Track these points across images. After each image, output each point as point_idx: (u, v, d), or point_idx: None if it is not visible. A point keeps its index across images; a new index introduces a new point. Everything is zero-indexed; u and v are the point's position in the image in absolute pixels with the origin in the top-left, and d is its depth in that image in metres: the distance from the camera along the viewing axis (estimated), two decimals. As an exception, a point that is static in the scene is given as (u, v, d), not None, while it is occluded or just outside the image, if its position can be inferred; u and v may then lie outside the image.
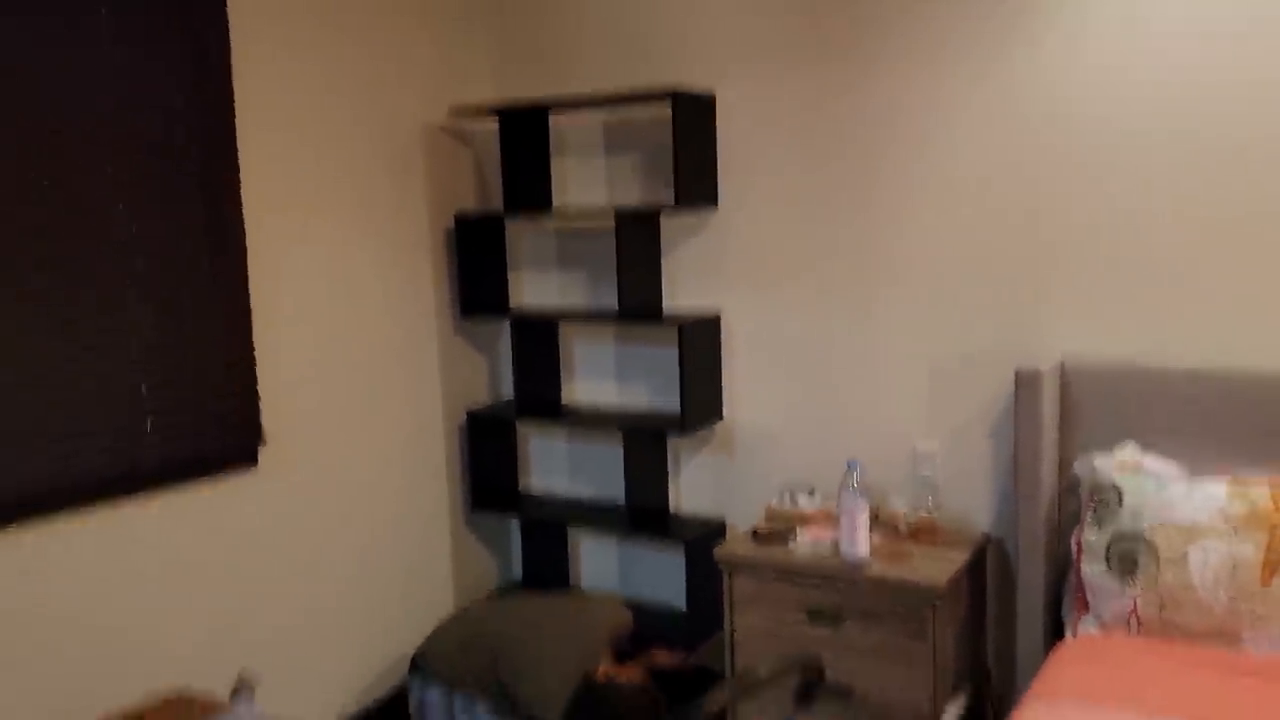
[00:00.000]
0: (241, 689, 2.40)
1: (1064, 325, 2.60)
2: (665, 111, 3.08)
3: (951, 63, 2.64)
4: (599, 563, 3.44)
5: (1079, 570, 2.29)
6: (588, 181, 3.29)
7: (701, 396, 3.00)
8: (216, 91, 2.51)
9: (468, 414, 3.36)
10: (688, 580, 3.01)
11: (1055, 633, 2.47)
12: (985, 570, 2.76)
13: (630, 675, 2.69)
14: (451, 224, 3.31)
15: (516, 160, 3.25)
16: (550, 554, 3.42)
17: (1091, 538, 2.27)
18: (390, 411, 3.11)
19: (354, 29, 2.92)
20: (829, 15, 2.80)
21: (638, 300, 3.04)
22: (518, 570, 3.61)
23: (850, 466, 2.49)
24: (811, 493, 2.93)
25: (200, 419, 2.50)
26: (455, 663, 2.72)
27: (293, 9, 2.73)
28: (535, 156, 3.25)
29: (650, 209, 2.93)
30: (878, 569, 2.47)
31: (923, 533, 2.69)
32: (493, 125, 3.40)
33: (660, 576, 3.32)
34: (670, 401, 3.22)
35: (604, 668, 2.68)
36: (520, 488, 3.54)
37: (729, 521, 3.14)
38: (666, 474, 3.18)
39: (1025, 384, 2.41)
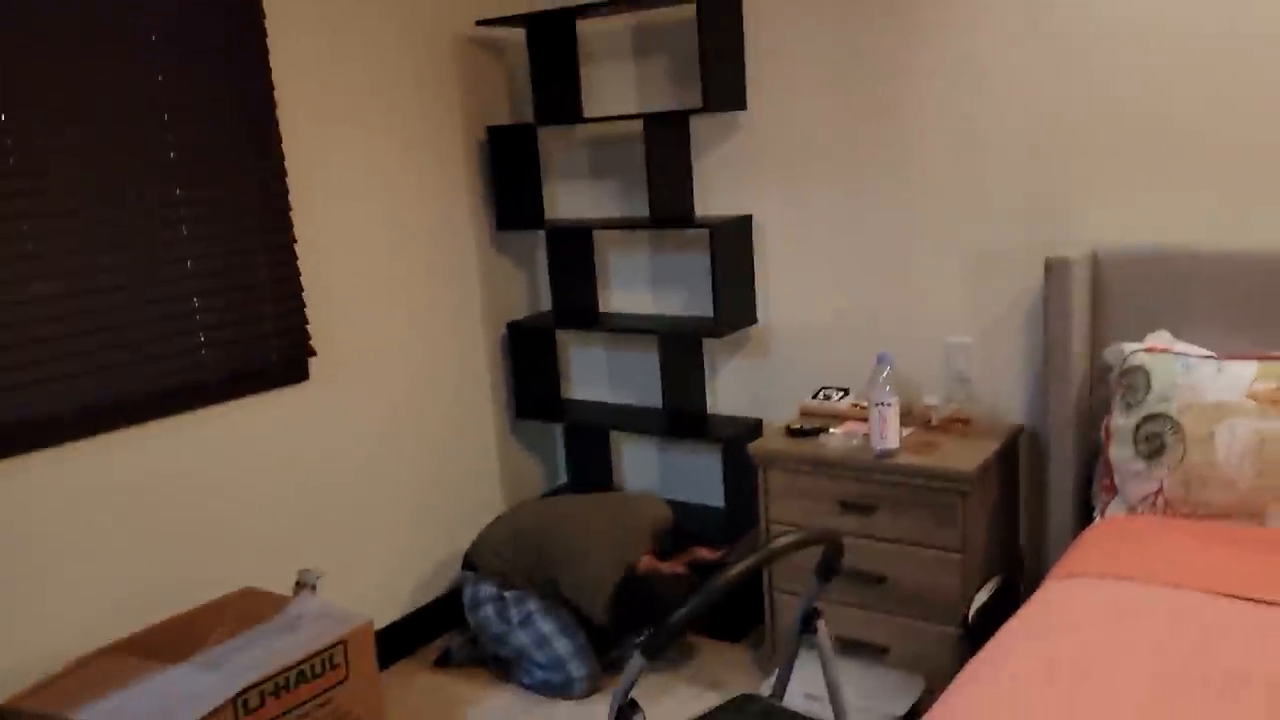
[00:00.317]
0: (304, 585, 2.56)
1: (1096, 214, 2.57)
2: (693, 12, 3.05)
3: (980, -54, 2.58)
4: (641, 466, 3.54)
5: (1107, 455, 2.31)
6: (618, 88, 3.29)
7: (734, 300, 3.03)
8: (247, 19, 2.56)
9: (507, 325, 3.44)
10: (725, 478, 3.10)
11: (1086, 518, 2.50)
12: (1018, 460, 2.79)
13: (671, 568, 2.79)
14: (485, 136, 3.35)
15: (546, 70, 3.26)
16: (594, 458, 3.52)
17: (1120, 421, 2.29)
18: (433, 323, 3.20)
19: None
20: (854, -97, 2.73)
21: (669, 206, 3.06)
22: (563, 475, 3.73)
23: (880, 360, 2.52)
24: (846, 390, 2.97)
25: (251, 334, 2.61)
26: (505, 559, 2.85)
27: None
28: (564, 65, 3.25)
29: (677, 113, 2.93)
30: (907, 459, 2.52)
31: (955, 425, 2.73)
32: (522, 35, 3.40)
33: (700, 477, 3.41)
34: (705, 307, 3.26)
35: (646, 561, 2.78)
36: (563, 395, 3.64)
37: (766, 422, 3.20)
38: (703, 377, 3.24)
39: (1055, 272, 2.40)
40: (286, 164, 2.71)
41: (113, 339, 2.33)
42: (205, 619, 2.50)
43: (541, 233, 3.55)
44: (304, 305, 2.74)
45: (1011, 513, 2.78)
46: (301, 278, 2.76)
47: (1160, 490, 2.19)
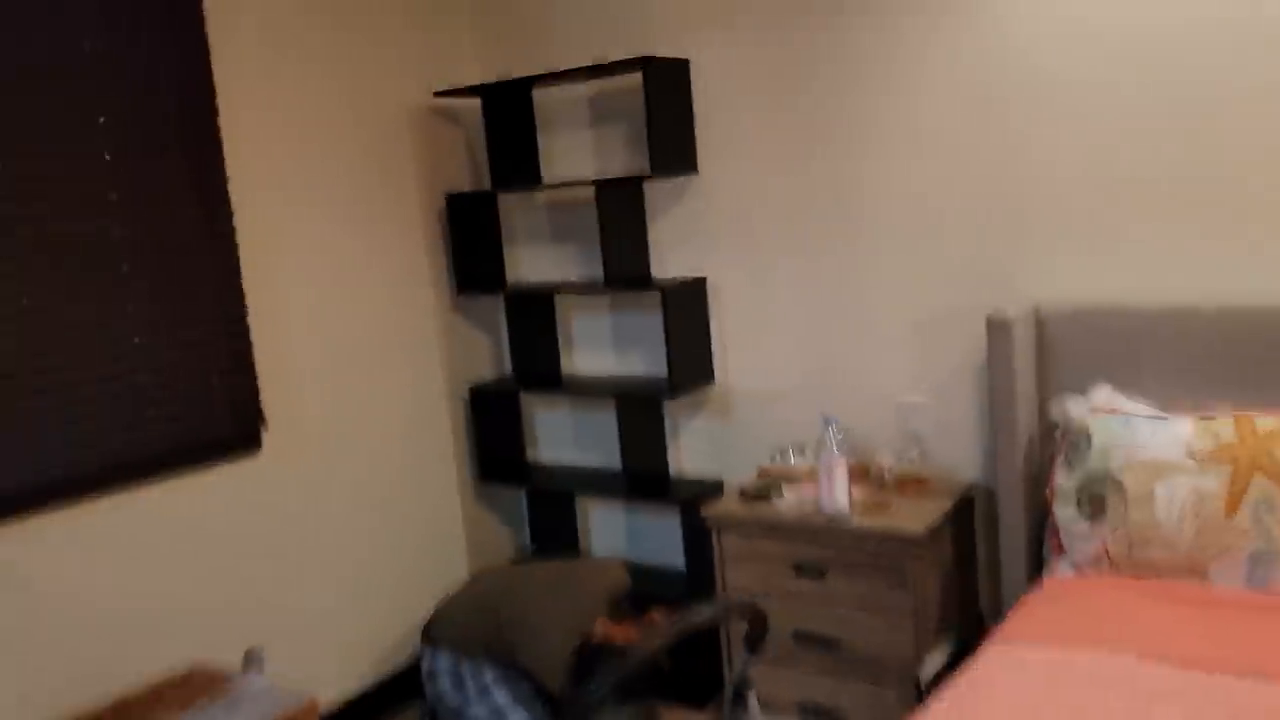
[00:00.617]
0: (251, 662, 2.54)
1: (1040, 271, 2.59)
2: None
3: (917, 16, 2.63)
4: (607, 528, 3.52)
5: (1053, 514, 2.30)
6: (576, 154, 3.34)
7: (689, 360, 3.04)
8: (197, 81, 2.60)
9: (470, 389, 3.45)
10: (685, 541, 3.08)
11: (1039, 577, 2.48)
12: (974, 519, 2.77)
13: (626, 634, 2.76)
14: (443, 203, 3.39)
15: (503, 137, 3.31)
16: (559, 522, 3.50)
17: (1063, 480, 2.28)
18: (393, 390, 3.21)
19: (335, 16, 2.99)
20: (793, -27, 2.80)
21: (625, 269, 3.09)
22: (530, 540, 3.70)
23: (827, 422, 2.52)
24: (802, 451, 2.96)
25: (200, 407, 2.62)
26: (462, 630, 2.82)
27: (271, 6, 2.82)
28: (522, 132, 3.30)
29: (629, 178, 2.97)
30: (857, 520, 2.50)
31: (909, 484, 2.71)
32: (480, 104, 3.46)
33: (664, 540, 3.39)
34: (664, 368, 3.27)
35: (601, 628, 2.76)
36: (529, 459, 3.63)
37: (727, 483, 3.19)
38: (664, 438, 3.24)
39: (996, 331, 2.41)
40: (239, 237, 2.74)
41: (54, 415, 2.34)
42: (150, 700, 2.47)
43: (502, 296, 3.58)
44: (255, 376, 2.75)
45: (969, 572, 2.76)
46: (254, 349, 2.78)
47: (1105, 549, 2.18)
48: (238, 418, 2.71)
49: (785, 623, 2.65)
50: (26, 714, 2.31)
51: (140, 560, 2.54)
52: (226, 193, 2.68)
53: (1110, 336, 2.41)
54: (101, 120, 2.43)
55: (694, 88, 3.03)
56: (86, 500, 2.43)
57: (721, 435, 3.19)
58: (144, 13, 2.49)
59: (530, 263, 3.51)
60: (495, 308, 3.60)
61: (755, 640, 1.72)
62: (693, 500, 3.01)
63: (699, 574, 3.09)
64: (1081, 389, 2.48)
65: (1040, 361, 2.53)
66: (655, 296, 3.24)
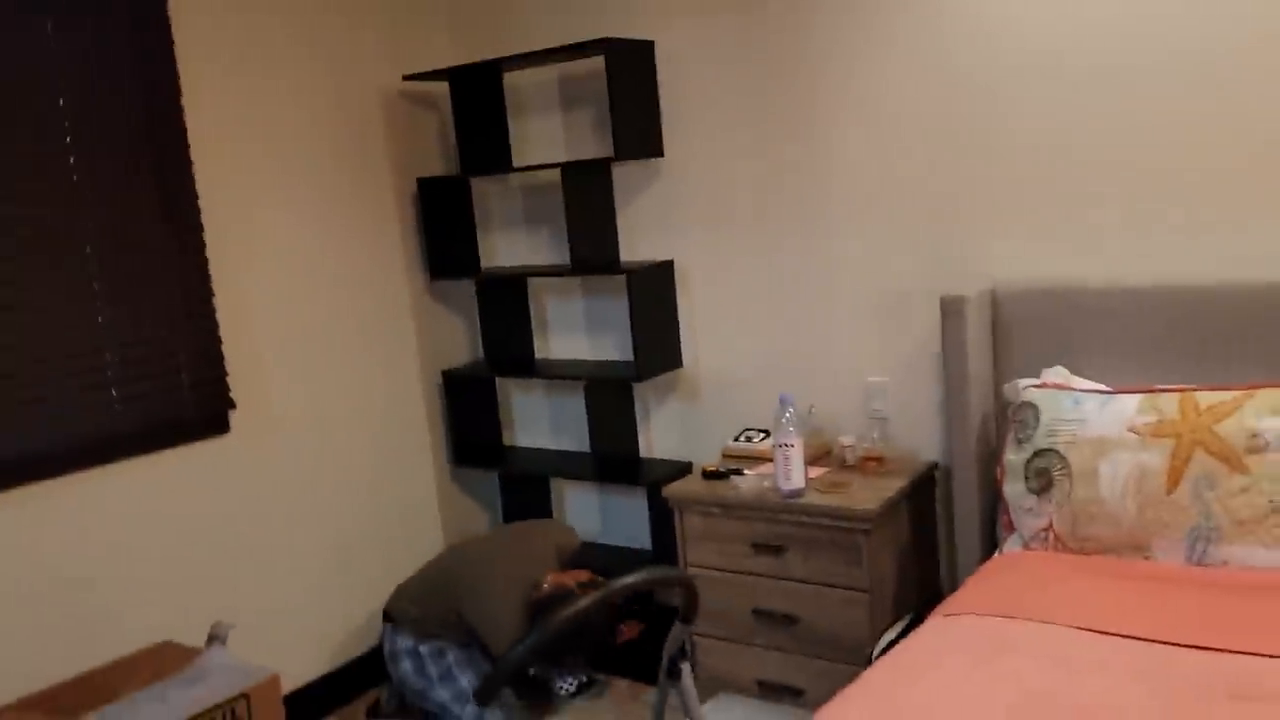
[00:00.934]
0: (215, 638, 2.57)
1: (998, 253, 2.60)
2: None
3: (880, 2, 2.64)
4: (581, 511, 3.54)
5: (1002, 491, 2.31)
6: (547, 138, 3.35)
7: (656, 343, 3.06)
8: (161, 66, 2.63)
9: (443, 373, 3.48)
10: (651, 521, 3.10)
11: (992, 554, 2.49)
12: (934, 498, 2.79)
13: (574, 576, 2.77)
14: (415, 188, 3.41)
15: (474, 121, 3.33)
16: (533, 506, 3.53)
17: (1012, 457, 2.29)
18: (366, 375, 3.23)
19: (304, 3, 3.02)
20: (755, -45, 2.80)
21: (593, 252, 3.10)
22: (504, 523, 3.73)
23: (782, 400, 2.54)
24: (767, 432, 2.98)
25: (166, 387, 2.65)
26: (420, 607, 2.84)
27: (234, -10, 2.84)
28: (492, 116, 3.32)
29: (594, 160, 2.98)
30: (811, 499, 2.52)
31: (870, 463, 2.73)
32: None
33: (636, 521, 3.42)
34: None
35: (550, 580, 2.75)
36: (505, 443, 3.66)
37: (696, 465, 3.21)
38: (634, 421, 3.26)
39: (950, 311, 2.42)
40: (206, 221, 2.77)
41: (20, 394, 2.37)
42: (119, 673, 2.51)
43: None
44: (222, 359, 2.78)
45: (928, 550, 2.77)
46: (222, 332, 2.81)
47: (1050, 525, 2.19)
48: (204, 400, 2.74)
49: (745, 601, 2.67)
50: (-7, 688, 2.36)
51: (110, 538, 2.57)
52: (191, 177, 2.71)
53: (1065, 317, 2.42)
54: (62, 103, 2.46)
55: (660, 70, 3.04)
56: (53, 478, 2.46)
57: (691, 418, 3.21)
58: (106, 10, 2.52)
59: (504, 247, 3.54)
60: (469, 292, 3.63)
61: (687, 611, 1.74)
62: (658, 481, 3.04)
63: (666, 554, 3.12)
64: (1038, 369, 2.49)
65: (997, 342, 2.54)
66: (624, 280, 3.26)
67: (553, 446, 3.57)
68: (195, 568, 2.77)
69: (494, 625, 2.67)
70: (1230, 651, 1.68)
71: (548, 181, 3.37)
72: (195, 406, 2.72)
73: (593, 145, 3.25)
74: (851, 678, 2.52)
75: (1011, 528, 2.31)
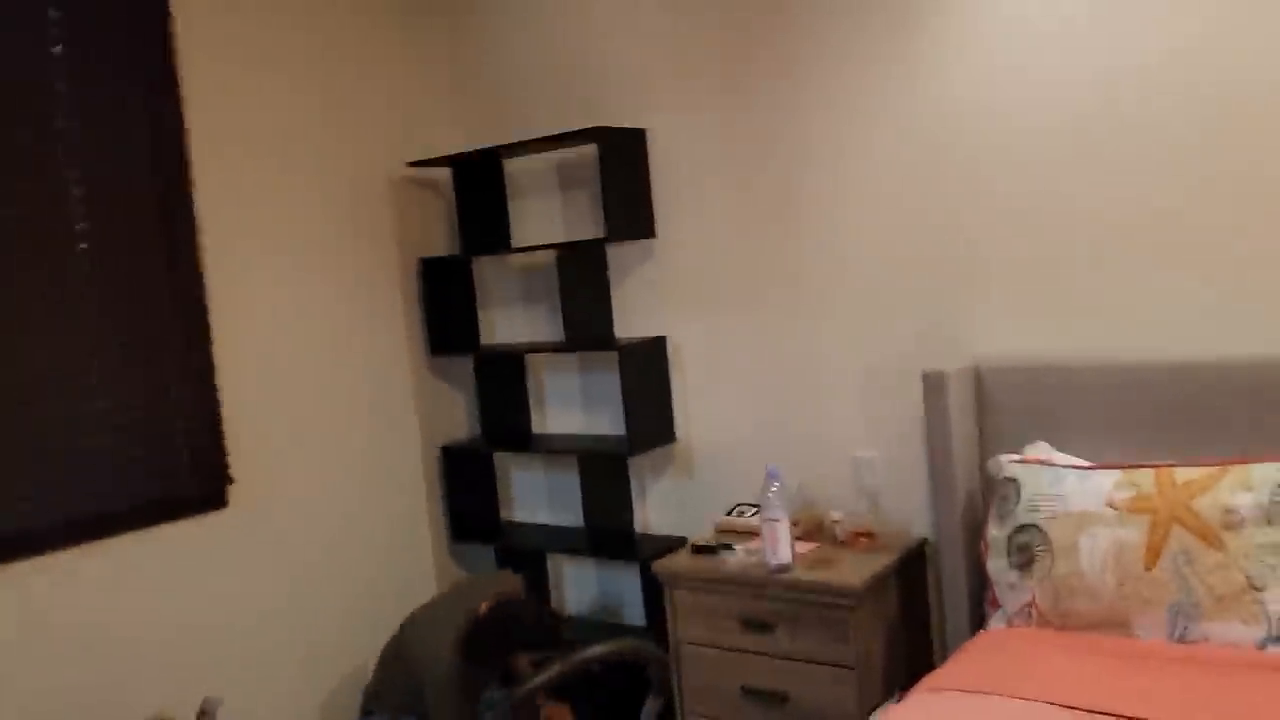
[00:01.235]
0: (205, 713, 2.59)
1: (981, 329, 2.64)
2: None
3: (865, 87, 2.74)
4: (578, 587, 3.55)
5: (985, 566, 2.32)
6: (545, 219, 3.46)
7: (649, 418, 3.11)
8: (171, 141, 2.75)
9: (442, 448, 3.52)
10: (644, 597, 3.10)
11: (981, 631, 2.48)
12: (925, 574, 2.79)
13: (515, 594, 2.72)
14: (418, 267, 3.51)
15: (475, 204, 3.44)
16: (530, 581, 3.54)
17: (995, 532, 2.30)
18: (366, 449, 3.29)
19: (320, 84, 3.16)
20: (748, 49, 2.92)
21: (588, 329, 3.17)
22: (504, 598, 3.73)
23: (769, 475, 2.57)
24: (758, 507, 2.99)
25: (165, 463, 2.71)
26: (378, 682, 2.79)
27: (246, 77, 2.98)
28: (493, 199, 3.43)
29: (588, 241, 3.07)
30: (798, 574, 2.53)
31: (860, 539, 2.74)
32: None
33: (632, 596, 3.41)
34: (628, 426, 3.33)
35: (485, 606, 2.67)
36: (503, 518, 3.68)
37: (689, 540, 3.22)
38: (629, 496, 3.28)
39: (931, 386, 2.46)
40: (212, 297, 2.86)
41: (14, 468, 2.44)
42: (108, 748, 2.52)
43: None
44: (222, 434, 2.84)
45: (920, 627, 2.76)
46: (223, 406, 2.88)
47: (1033, 601, 2.19)
48: (203, 474, 2.80)
49: (734, 678, 2.66)
50: (-18, 763, 2.37)
51: (104, 612, 2.61)
52: (197, 250, 2.80)
53: (1047, 393, 2.45)
54: (75, 179, 2.57)
55: (652, 155, 3.15)
56: (46, 553, 2.51)
57: (685, 492, 3.24)
58: (118, 72, 2.64)
59: (503, 324, 3.61)
60: (468, 368, 3.70)
61: (657, 682, 1.76)
62: (654, 557, 3.04)
63: (660, 630, 3.11)
64: (1020, 445, 2.51)
65: (982, 418, 2.57)
66: (616, 356, 3.32)
67: (550, 522, 3.59)
68: (188, 643, 2.79)
69: (428, 651, 2.60)
70: (1206, 729, 1.67)
71: (545, 261, 3.46)
72: (194, 481, 2.78)
73: (589, 226, 3.34)
74: (841, 757, 2.50)
75: (996, 604, 2.31)
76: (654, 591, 3.10)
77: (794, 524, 2.84)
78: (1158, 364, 2.30)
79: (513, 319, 3.59)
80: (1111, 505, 2.11)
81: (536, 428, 3.57)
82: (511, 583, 2.90)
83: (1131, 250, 2.40)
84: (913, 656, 2.72)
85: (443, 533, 3.55)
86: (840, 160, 2.80)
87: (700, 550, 2.80)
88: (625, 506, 3.28)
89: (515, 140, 3.39)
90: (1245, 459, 2.08)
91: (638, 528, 3.35)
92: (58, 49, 2.54)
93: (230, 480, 2.86)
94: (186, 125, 2.81)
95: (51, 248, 2.52)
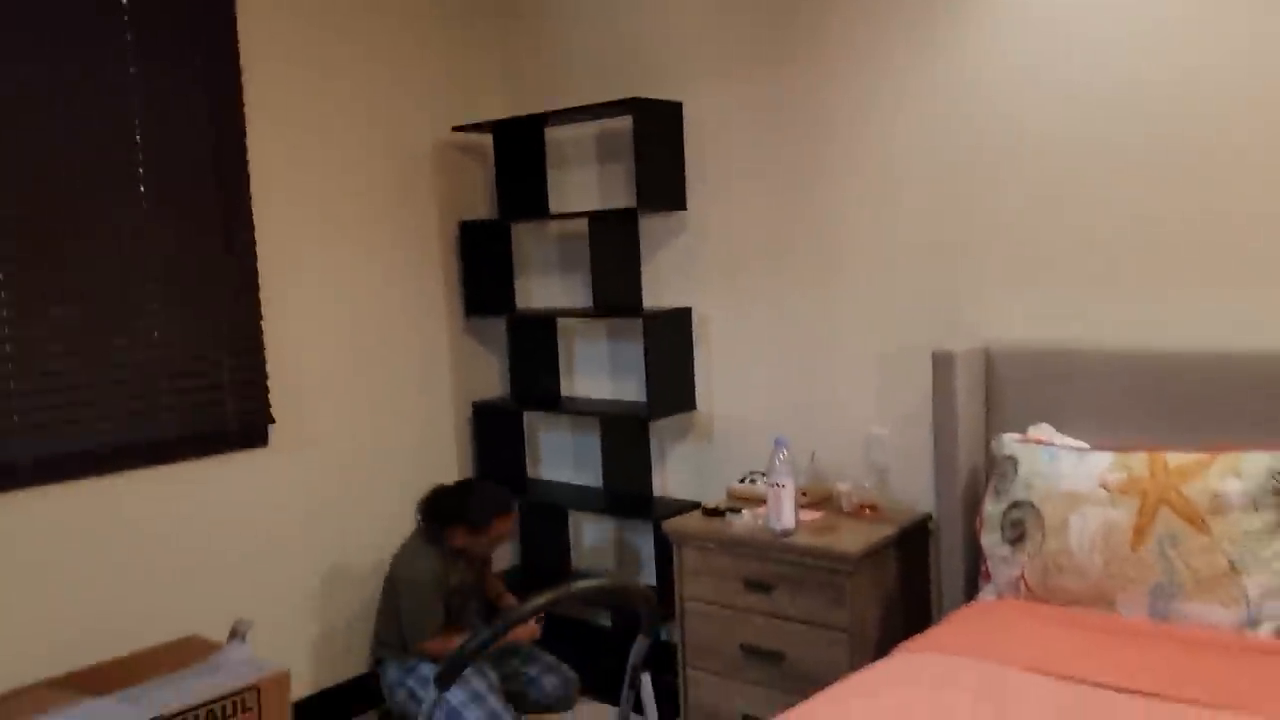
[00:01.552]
0: (236, 634, 2.76)
1: (993, 312, 2.70)
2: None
3: (889, 71, 2.79)
4: (596, 545, 3.67)
5: (979, 540, 2.39)
6: (584, 187, 3.56)
7: (671, 385, 3.21)
8: (229, 110, 2.91)
9: (473, 405, 3.67)
10: (656, 556, 3.21)
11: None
12: (927, 548, 2.86)
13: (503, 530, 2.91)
14: (457, 230, 3.64)
15: (515, 170, 3.56)
16: (550, 538, 3.67)
17: (990, 508, 2.37)
18: (401, 403, 3.44)
19: (367, 50, 3.29)
20: (782, 29, 2.99)
21: (617, 297, 3.28)
22: (521, 553, 3.88)
23: (777, 443, 2.65)
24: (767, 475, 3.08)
25: (211, 400, 2.88)
26: (379, 623, 2.94)
27: (303, 40, 3.12)
28: (533, 166, 3.55)
29: (619, 210, 3.17)
30: (800, 539, 2.62)
31: (865, 511, 2.82)
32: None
33: (646, 555, 3.53)
34: (652, 392, 3.43)
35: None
36: (531, 476, 3.82)
37: (703, 504, 3.32)
38: (649, 460, 3.39)
39: (940, 365, 2.53)
40: (260, 250, 3.02)
41: (73, 396, 2.62)
42: (145, 661, 2.71)
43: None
44: (265, 376, 3.01)
45: (920, 599, 2.83)
46: (267, 354, 3.04)
47: (1023, 575, 2.26)
48: (246, 414, 2.96)
49: (734, 635, 2.77)
50: (32, 668, 2.56)
51: (148, 535, 2.79)
52: (250, 211, 2.96)
53: (1052, 376, 2.51)
54: (138, 139, 2.74)
55: (686, 129, 3.23)
56: (100, 476, 2.69)
57: (703, 459, 3.34)
58: (181, 43, 2.81)
59: (537, 289, 3.73)
60: (502, 330, 3.83)
61: (648, 624, 1.86)
62: (665, 518, 3.15)
63: (670, 589, 3.22)
64: (1026, 426, 2.56)
65: (990, 399, 2.63)
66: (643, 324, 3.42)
67: (574, 481, 3.72)
68: (225, 569, 2.97)
69: (410, 571, 2.79)
70: (1169, 699, 1.74)
71: (580, 230, 3.57)
72: (238, 419, 2.94)
73: (625, 196, 3.44)
74: (832, 717, 2.59)
75: (989, 577, 2.38)
76: (665, 552, 3.21)
77: (803, 494, 2.93)
78: (1160, 353, 2.34)
79: (548, 285, 3.71)
80: (1104, 486, 2.17)
81: (565, 391, 3.69)
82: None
83: (1141, 243, 2.44)
84: (911, 626, 2.80)
85: (470, 486, 3.69)
86: (865, 144, 2.86)
87: (710, 513, 2.90)
88: (645, 470, 3.39)
89: (557, 108, 3.49)
90: (1237, 446, 2.12)
91: (656, 492, 3.46)
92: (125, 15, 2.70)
93: (272, 420, 3.02)
94: (243, 94, 2.95)
95: (116, 208, 2.69)
